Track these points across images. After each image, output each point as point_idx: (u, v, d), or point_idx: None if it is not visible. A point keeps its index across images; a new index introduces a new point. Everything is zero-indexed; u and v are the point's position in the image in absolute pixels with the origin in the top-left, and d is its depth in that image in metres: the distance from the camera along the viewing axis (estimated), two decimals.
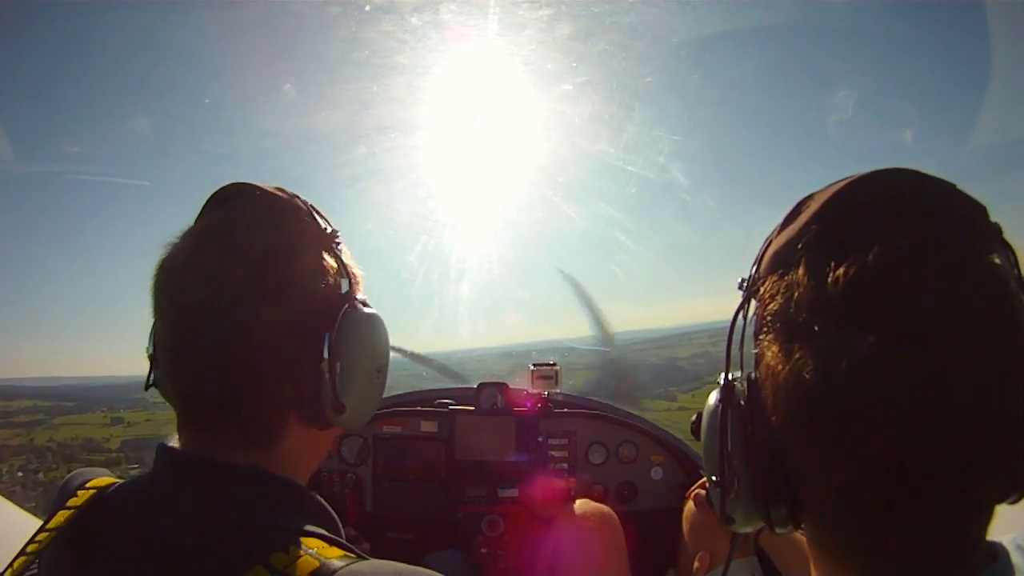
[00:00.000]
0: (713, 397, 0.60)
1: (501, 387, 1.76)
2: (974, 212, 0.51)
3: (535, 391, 1.76)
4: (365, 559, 0.60)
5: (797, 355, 0.48)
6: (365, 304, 0.75)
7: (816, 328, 0.47)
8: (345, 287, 0.72)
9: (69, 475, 0.75)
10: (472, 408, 1.74)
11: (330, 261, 0.72)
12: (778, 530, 0.55)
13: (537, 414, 1.73)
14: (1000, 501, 0.50)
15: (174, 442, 0.69)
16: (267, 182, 0.75)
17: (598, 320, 2.58)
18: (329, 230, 0.74)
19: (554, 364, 1.80)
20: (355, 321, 0.71)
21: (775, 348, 0.51)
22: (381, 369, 0.77)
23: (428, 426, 1.74)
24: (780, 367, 0.50)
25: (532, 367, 1.80)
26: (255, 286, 0.65)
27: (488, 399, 1.75)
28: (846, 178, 0.53)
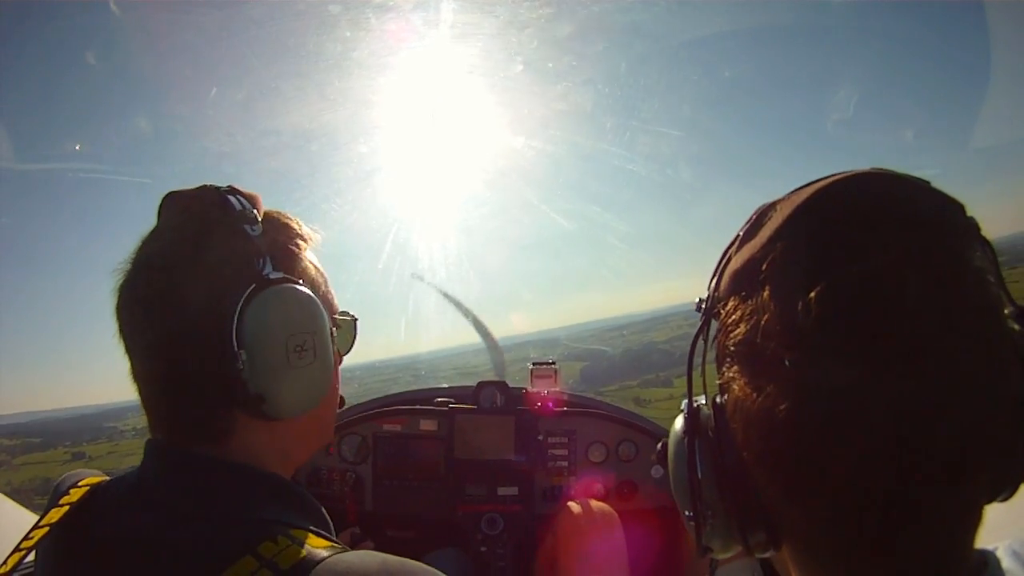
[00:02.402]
0: (679, 424, 0.57)
1: (501, 386, 1.76)
2: (952, 213, 0.47)
3: (535, 391, 1.75)
4: (349, 550, 0.61)
5: (768, 390, 0.45)
6: (284, 280, 0.69)
7: (787, 362, 0.43)
8: (261, 265, 0.68)
9: (62, 476, 0.76)
10: (472, 407, 1.74)
11: (240, 245, 0.69)
12: (758, 555, 0.52)
13: (550, 415, 1.72)
14: (990, 501, 0.48)
15: None
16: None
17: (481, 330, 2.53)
18: (239, 210, 0.69)
19: (553, 363, 1.80)
20: (259, 301, 0.66)
21: (742, 381, 0.48)
22: (303, 346, 0.69)
23: (428, 424, 1.74)
24: (750, 403, 0.47)
25: (531, 366, 1.79)
26: (167, 297, 0.66)
27: (488, 398, 1.75)
28: (811, 184, 0.49)
